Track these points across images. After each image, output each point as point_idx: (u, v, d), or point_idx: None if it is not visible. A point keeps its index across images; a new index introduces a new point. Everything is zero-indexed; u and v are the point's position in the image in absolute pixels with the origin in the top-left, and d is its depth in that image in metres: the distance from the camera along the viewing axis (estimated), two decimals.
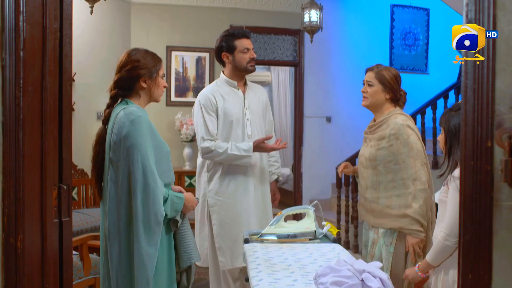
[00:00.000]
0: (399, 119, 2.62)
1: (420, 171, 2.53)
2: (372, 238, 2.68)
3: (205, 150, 3.09)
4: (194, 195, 2.51)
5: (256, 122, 3.23)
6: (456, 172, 2.07)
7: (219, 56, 3.21)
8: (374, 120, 2.78)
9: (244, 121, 3.18)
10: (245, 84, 3.27)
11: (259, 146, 3.08)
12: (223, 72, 3.27)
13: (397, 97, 2.72)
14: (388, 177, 2.61)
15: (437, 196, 2.35)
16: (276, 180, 3.44)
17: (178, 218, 2.31)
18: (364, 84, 2.74)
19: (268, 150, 3.13)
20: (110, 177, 2.24)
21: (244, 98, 3.21)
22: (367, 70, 2.76)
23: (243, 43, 3.15)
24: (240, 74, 3.21)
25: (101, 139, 2.32)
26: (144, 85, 2.33)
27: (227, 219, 3.15)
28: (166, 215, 2.22)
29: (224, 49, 3.18)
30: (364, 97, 2.74)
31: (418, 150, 2.56)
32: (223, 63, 3.24)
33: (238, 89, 3.22)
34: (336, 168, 3.17)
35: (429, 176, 2.58)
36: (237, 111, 3.17)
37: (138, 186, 2.15)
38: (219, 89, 3.21)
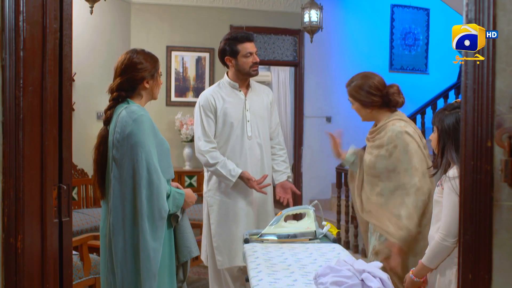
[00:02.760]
0: (397, 125, 2.50)
1: (422, 181, 2.42)
2: (373, 245, 2.62)
3: (199, 150, 3.14)
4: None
5: (258, 123, 3.23)
6: (451, 172, 2.07)
7: (223, 59, 3.22)
8: (375, 125, 2.70)
9: (244, 122, 3.18)
10: (248, 86, 3.27)
11: (245, 178, 3.08)
12: (227, 74, 3.27)
13: (385, 102, 2.59)
14: (389, 186, 2.52)
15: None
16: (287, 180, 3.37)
17: (178, 213, 2.37)
18: None
19: (249, 186, 3.11)
20: (113, 174, 2.28)
21: (245, 100, 3.21)
22: (346, 86, 2.72)
23: (246, 47, 3.14)
24: (243, 77, 3.22)
25: (103, 139, 2.35)
26: (147, 85, 2.39)
27: (225, 219, 3.16)
28: (168, 210, 2.28)
29: (227, 53, 3.17)
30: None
31: (419, 159, 2.45)
32: (226, 66, 3.24)
33: (240, 91, 3.22)
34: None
35: (431, 185, 2.46)
36: (237, 113, 3.17)
37: (142, 183, 2.20)
38: (220, 90, 3.22)
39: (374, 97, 2.59)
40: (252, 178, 3.09)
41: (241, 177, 3.08)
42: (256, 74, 3.22)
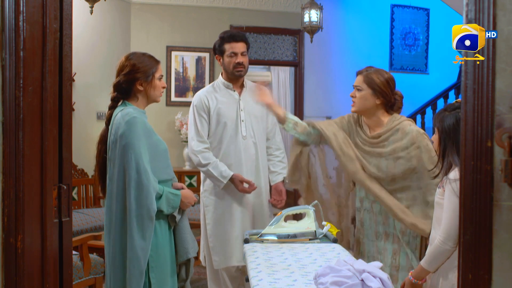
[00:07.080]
0: (413, 127, 2.54)
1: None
2: (392, 249, 2.60)
3: (192, 150, 3.14)
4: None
5: (253, 123, 3.21)
6: (452, 175, 2.04)
7: (215, 57, 3.26)
8: (369, 127, 2.66)
9: (238, 122, 3.16)
10: (242, 85, 3.26)
11: (236, 180, 3.06)
12: (221, 74, 3.28)
13: (390, 102, 2.60)
14: (404, 188, 2.53)
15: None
16: (283, 181, 3.35)
17: (176, 214, 2.39)
18: (354, 88, 2.62)
19: (239, 190, 3.09)
20: (109, 175, 2.35)
21: (240, 100, 3.20)
22: (357, 74, 2.64)
23: (230, 47, 3.13)
24: (233, 77, 3.20)
25: (103, 138, 2.43)
26: (140, 88, 2.41)
27: (220, 219, 3.15)
28: (162, 211, 2.31)
29: (216, 51, 3.20)
30: (353, 101, 2.62)
31: (436, 158, 2.48)
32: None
33: (234, 91, 3.22)
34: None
35: None
36: (230, 113, 3.16)
37: (132, 183, 2.24)
38: (214, 90, 3.22)
39: (388, 90, 2.58)
40: (244, 181, 3.07)
41: (232, 179, 3.07)
42: (240, 75, 3.18)
